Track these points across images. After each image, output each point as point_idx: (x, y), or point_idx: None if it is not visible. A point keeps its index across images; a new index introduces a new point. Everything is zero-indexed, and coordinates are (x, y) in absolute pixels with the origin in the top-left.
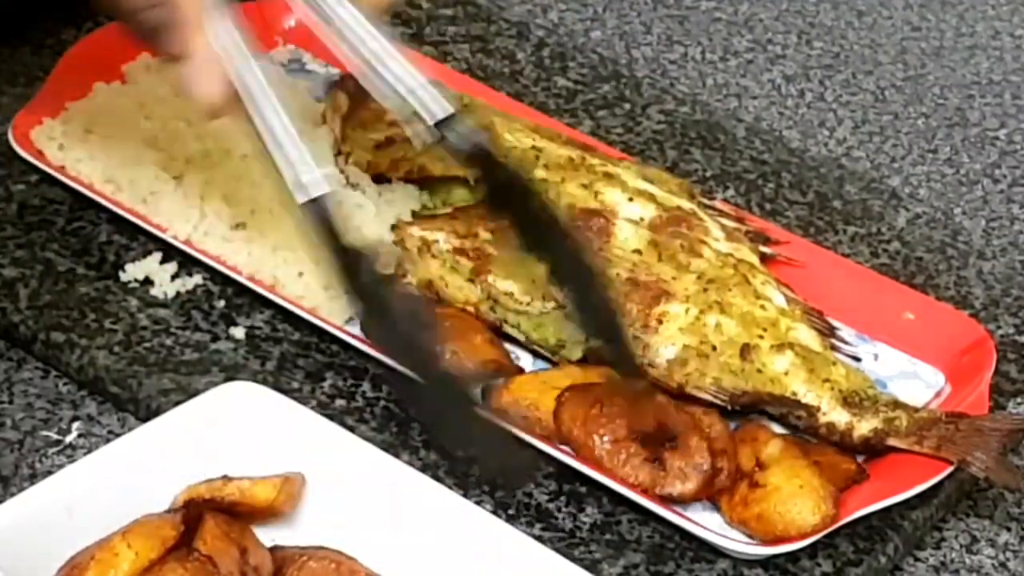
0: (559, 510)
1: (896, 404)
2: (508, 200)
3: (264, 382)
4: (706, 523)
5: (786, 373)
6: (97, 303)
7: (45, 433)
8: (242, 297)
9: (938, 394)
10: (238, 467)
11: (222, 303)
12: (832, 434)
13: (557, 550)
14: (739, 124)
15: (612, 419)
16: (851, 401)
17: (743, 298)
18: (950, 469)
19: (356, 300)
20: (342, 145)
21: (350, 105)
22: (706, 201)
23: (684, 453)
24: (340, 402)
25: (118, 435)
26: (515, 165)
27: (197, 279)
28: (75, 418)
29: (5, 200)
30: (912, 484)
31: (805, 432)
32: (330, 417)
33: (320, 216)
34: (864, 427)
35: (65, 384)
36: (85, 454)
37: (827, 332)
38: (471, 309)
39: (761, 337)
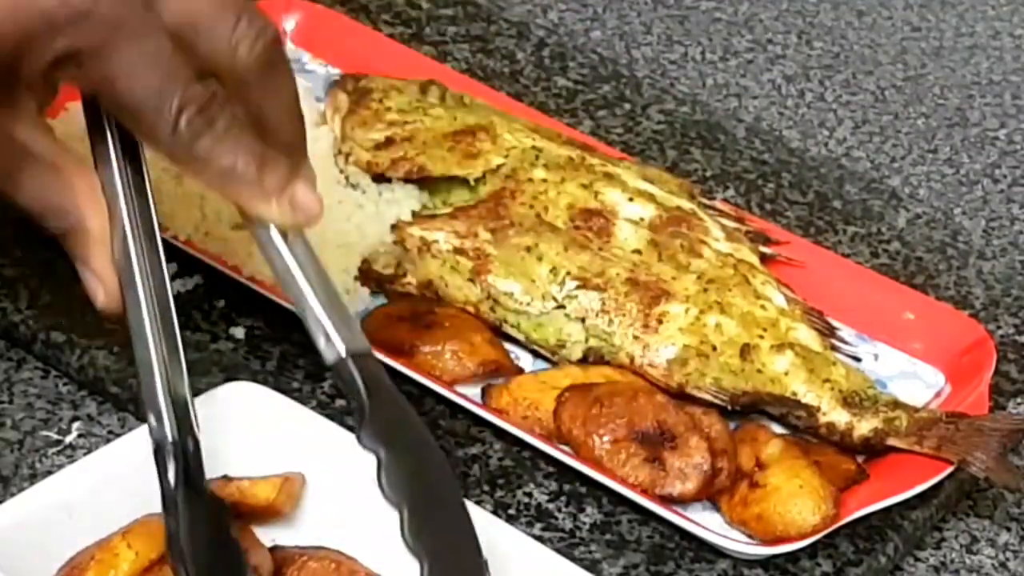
0: (559, 510)
1: (896, 404)
2: (395, 435)
3: (264, 382)
4: (706, 523)
5: (786, 373)
6: None
7: (45, 433)
8: (242, 297)
9: (938, 394)
10: (238, 467)
11: (222, 303)
12: (832, 434)
13: (557, 550)
14: (739, 124)
15: (612, 419)
16: (851, 401)
17: (743, 298)
18: (950, 469)
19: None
20: (342, 145)
21: (350, 105)
22: (706, 201)
23: (684, 453)
24: (340, 402)
25: (118, 435)
26: (408, 406)
27: (197, 279)
28: (75, 418)
29: (5, 200)
30: (912, 484)
31: (805, 432)
32: (330, 417)
33: (166, 462)
34: (864, 427)
35: (65, 384)
36: (85, 454)
37: (827, 332)
38: (471, 309)
39: (761, 337)
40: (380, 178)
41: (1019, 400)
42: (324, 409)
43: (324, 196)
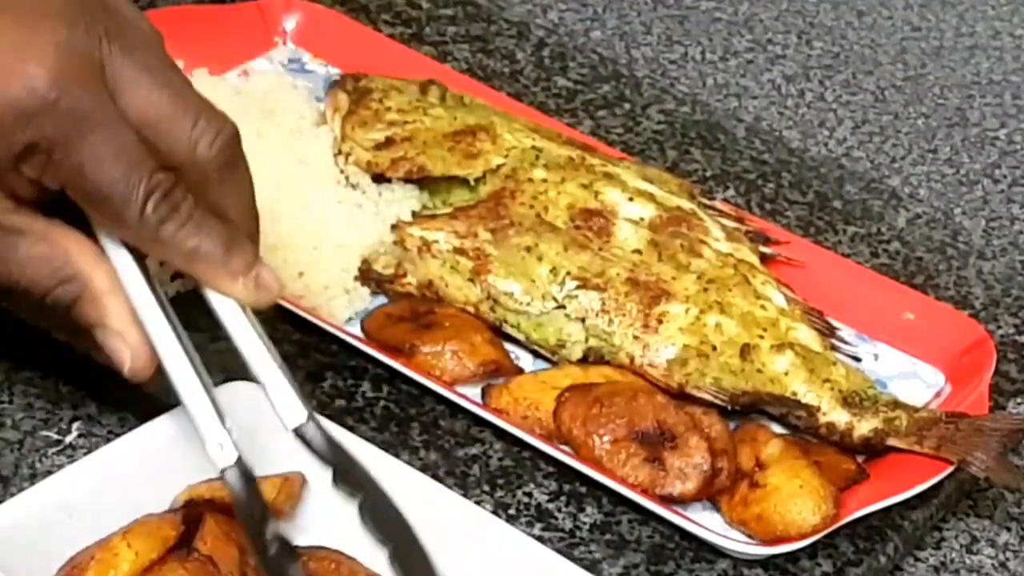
0: (559, 510)
1: (896, 404)
2: (359, 498)
3: None
4: (706, 523)
5: (786, 373)
6: None
7: (45, 433)
8: None
9: (938, 394)
10: None
11: None
12: (832, 434)
13: (557, 550)
14: (739, 124)
15: (612, 419)
16: (851, 401)
17: (743, 298)
18: (950, 469)
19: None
20: (342, 145)
21: (350, 105)
22: (706, 201)
23: (684, 453)
24: (340, 402)
25: (118, 435)
26: (368, 470)
27: None
28: (75, 418)
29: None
30: (912, 484)
31: (805, 432)
32: (330, 417)
33: (234, 484)
34: (864, 427)
35: (65, 384)
36: (85, 454)
37: (827, 332)
38: (471, 309)
39: (761, 337)
40: (380, 178)
41: (1019, 400)
42: (324, 409)
43: (324, 196)
